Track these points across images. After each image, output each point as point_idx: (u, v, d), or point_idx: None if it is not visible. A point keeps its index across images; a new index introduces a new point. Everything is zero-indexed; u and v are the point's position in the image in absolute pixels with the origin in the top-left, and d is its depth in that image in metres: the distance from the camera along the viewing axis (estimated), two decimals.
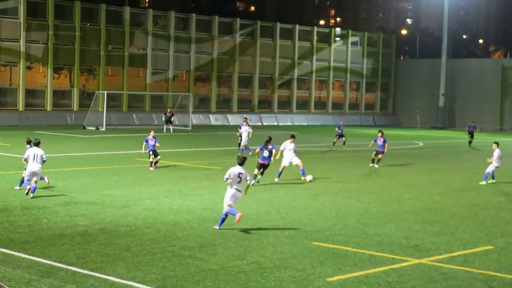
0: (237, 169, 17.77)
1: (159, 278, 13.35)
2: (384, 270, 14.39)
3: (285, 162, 28.05)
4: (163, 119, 58.28)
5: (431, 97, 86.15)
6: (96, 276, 13.30)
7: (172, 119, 57.66)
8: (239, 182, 17.71)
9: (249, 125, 39.45)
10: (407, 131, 71.86)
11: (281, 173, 27.82)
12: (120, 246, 15.71)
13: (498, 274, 14.32)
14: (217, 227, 17.75)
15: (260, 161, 26.58)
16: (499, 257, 15.91)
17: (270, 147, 26.62)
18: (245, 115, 63.07)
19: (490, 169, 29.09)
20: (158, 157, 30.66)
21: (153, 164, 30.43)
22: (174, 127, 57.59)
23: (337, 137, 46.96)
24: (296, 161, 27.99)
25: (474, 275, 14.23)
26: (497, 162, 28.99)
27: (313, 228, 18.48)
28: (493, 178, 29.42)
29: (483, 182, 28.95)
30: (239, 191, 17.85)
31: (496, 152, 29.18)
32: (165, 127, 57.14)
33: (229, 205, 17.67)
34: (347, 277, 13.77)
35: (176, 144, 44.28)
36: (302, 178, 27.47)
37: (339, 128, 47.34)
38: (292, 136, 28.31)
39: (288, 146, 28.03)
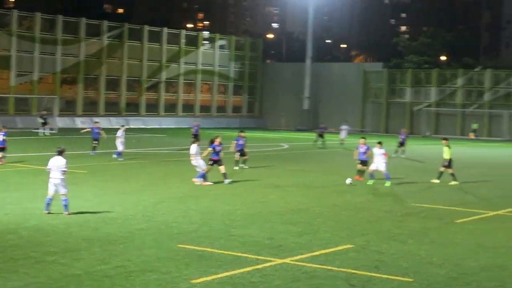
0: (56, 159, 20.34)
1: (21, 285, 13.08)
2: (248, 270, 14.64)
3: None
4: (39, 121, 57.27)
5: (296, 100, 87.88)
6: None
7: (46, 121, 56.93)
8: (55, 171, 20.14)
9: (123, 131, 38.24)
10: (272, 133, 73.03)
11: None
12: None
13: (358, 272, 14.83)
14: (46, 212, 20.01)
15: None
16: (358, 255, 16.47)
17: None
18: (109, 118, 62.25)
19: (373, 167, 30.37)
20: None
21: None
22: (45, 130, 56.58)
23: (193, 137, 48.06)
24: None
25: (335, 273, 14.68)
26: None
27: (179, 231, 18.55)
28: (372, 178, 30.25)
29: (370, 182, 29.95)
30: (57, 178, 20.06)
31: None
32: (41, 130, 56.15)
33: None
34: (212, 279, 13.92)
35: (41, 147, 43.29)
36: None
37: (193, 129, 49.74)
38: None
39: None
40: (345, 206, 24.10)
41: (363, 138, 32.16)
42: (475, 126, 78.95)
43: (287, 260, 15.63)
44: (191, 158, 28.61)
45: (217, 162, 28.61)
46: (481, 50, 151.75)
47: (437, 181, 31.52)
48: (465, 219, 21.97)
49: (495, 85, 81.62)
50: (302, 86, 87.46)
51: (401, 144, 46.95)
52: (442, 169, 31.72)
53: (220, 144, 29.13)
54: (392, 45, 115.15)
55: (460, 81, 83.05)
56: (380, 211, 23.09)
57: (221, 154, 29.12)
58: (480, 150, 59.02)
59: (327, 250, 16.81)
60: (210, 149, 28.62)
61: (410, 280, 14.34)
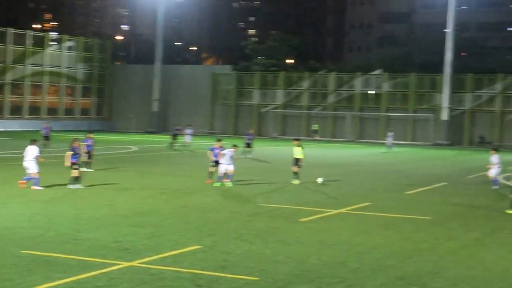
0: None
1: None
2: (94, 274, 14.47)
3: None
4: None
5: (146, 102, 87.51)
6: None
7: None
8: None
9: None
10: (122, 136, 72.34)
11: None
12: None
13: (205, 272, 14.98)
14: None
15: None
16: (206, 255, 16.63)
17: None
18: None
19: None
20: None
21: None
22: None
23: (44, 139, 47.90)
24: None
25: (182, 274, 14.77)
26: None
27: (23, 236, 18.08)
28: None
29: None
30: None
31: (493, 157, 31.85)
32: None
33: None
34: (57, 284, 13.66)
35: None
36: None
37: (44, 131, 49.30)
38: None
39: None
40: (194, 207, 24.24)
41: (219, 140, 32.40)
42: (315, 127, 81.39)
43: (135, 263, 15.57)
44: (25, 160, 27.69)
45: (74, 165, 28.03)
46: (326, 54, 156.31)
47: (297, 181, 32.36)
48: (309, 218, 22.62)
49: (339, 88, 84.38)
50: (151, 88, 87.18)
51: (248, 145, 48.04)
52: (295, 169, 32.57)
53: (79, 146, 28.84)
54: (240, 48, 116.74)
55: (306, 84, 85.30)
56: (228, 212, 23.39)
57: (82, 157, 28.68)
58: (325, 150, 60.80)
59: (175, 252, 16.88)
60: (70, 152, 28.00)
61: (256, 279, 14.63)
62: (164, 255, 16.45)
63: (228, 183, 30.24)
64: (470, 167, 47.05)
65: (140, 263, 15.61)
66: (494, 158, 32.23)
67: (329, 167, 42.59)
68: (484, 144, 77.06)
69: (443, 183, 35.13)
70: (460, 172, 42.90)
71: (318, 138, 77.78)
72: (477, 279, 15.17)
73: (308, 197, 28.18)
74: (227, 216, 22.49)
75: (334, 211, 24.32)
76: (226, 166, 30.37)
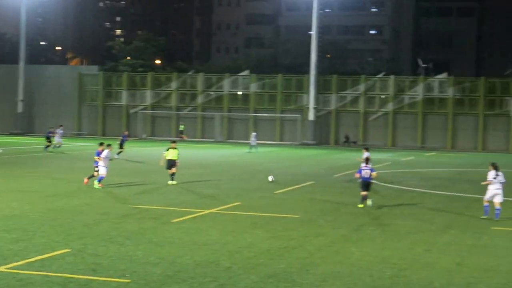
0: None
1: None
2: None
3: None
4: None
5: (10, 103, 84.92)
6: None
7: None
8: None
9: None
10: None
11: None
12: None
13: (75, 276, 14.70)
14: None
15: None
16: (75, 259, 16.32)
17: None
18: None
19: None
20: None
21: None
22: None
23: None
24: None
25: (51, 278, 14.43)
26: None
27: None
28: None
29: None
30: None
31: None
32: None
33: None
34: None
35: None
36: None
37: None
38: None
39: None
40: (62, 210, 23.75)
41: (101, 143, 31.63)
42: (182, 127, 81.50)
43: (1, 268, 15.10)
44: None
45: None
46: (194, 54, 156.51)
47: (173, 182, 32.45)
48: (181, 218, 22.61)
49: (207, 89, 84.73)
50: (15, 89, 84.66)
51: (121, 145, 47.79)
52: (172, 170, 32.59)
53: None
54: (107, 48, 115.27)
55: (174, 85, 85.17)
56: (97, 214, 23.05)
57: None
58: (194, 151, 60.89)
59: (44, 256, 16.48)
60: None
61: (128, 281, 14.49)
62: (32, 260, 16.04)
63: (97, 185, 29.90)
64: (336, 166, 48.28)
65: (6, 268, 15.15)
66: (365, 155, 33.25)
67: (199, 168, 42.70)
68: (349, 143, 79.36)
69: (311, 182, 35.89)
70: (327, 171, 43.93)
71: (184, 138, 77.78)
72: (344, 274, 15.60)
73: (180, 197, 28.15)
74: (96, 218, 22.15)
75: (206, 211, 24.42)
76: (102, 168, 30.07)
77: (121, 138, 49.17)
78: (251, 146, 62.86)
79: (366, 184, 26.45)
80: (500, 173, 24.05)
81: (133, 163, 44.51)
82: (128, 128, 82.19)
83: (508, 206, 27.57)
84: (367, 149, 34.92)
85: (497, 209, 23.90)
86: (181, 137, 77.64)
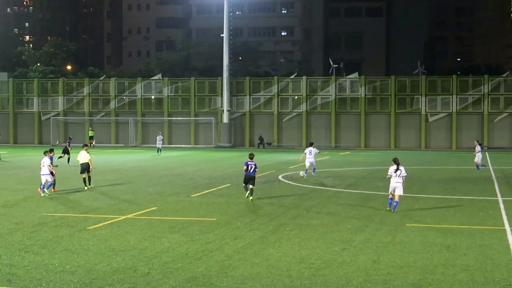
0: None
1: None
2: None
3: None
4: None
5: None
6: None
7: None
8: None
9: None
10: None
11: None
12: None
13: None
14: None
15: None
16: None
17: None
18: None
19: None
20: None
21: None
22: None
23: None
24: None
25: None
26: None
27: None
28: None
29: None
30: None
31: None
32: None
33: None
34: None
35: None
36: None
37: None
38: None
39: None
40: None
41: (46, 152, 31.80)
42: (91, 133, 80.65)
43: None
44: None
45: None
46: (105, 59, 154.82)
47: (90, 186, 32.98)
48: (97, 225, 22.34)
49: (120, 93, 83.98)
50: None
51: (64, 151, 48.49)
52: (84, 175, 32.95)
53: None
54: (16, 54, 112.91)
55: (86, 90, 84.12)
56: (11, 223, 22.57)
57: None
58: (108, 156, 60.21)
59: None
60: None
61: None
62: None
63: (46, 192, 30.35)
64: None
65: None
66: (309, 150, 39.60)
67: (113, 173, 42.26)
68: (263, 144, 79.88)
69: (227, 185, 35.97)
70: (242, 173, 43.99)
71: (94, 144, 76.78)
72: (263, 276, 15.70)
73: (95, 204, 27.81)
74: (10, 228, 21.70)
75: (122, 217, 24.19)
76: (48, 176, 30.36)
77: (67, 143, 50.97)
78: (158, 150, 64.00)
79: (251, 178, 29.45)
80: (401, 167, 25.48)
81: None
82: (40, 135, 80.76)
83: (423, 202, 28.28)
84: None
85: (396, 202, 25.60)
86: (91, 143, 76.71)
